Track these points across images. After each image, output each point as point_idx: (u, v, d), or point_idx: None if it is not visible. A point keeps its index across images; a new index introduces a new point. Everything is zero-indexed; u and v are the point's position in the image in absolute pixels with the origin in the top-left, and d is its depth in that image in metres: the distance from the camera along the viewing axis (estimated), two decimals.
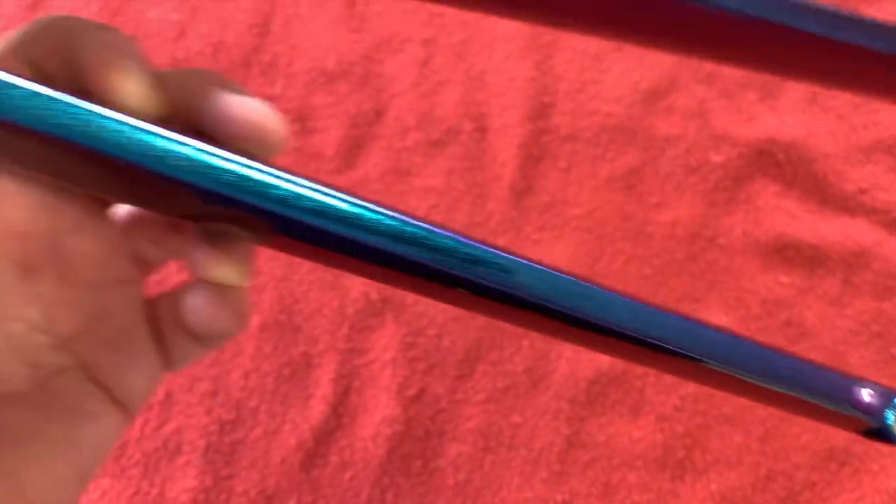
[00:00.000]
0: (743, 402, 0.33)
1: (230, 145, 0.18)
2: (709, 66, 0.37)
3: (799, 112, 0.37)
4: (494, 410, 0.34)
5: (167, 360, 0.22)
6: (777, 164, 0.36)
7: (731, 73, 0.37)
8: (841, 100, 0.37)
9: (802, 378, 0.21)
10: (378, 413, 0.33)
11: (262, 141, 0.18)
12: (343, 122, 0.38)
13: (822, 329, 0.35)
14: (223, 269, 0.19)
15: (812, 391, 0.21)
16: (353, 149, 0.38)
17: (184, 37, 0.40)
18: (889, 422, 0.21)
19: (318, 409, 0.33)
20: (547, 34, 0.37)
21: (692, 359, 0.20)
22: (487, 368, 0.34)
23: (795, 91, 0.37)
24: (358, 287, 0.35)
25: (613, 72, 0.37)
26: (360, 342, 0.34)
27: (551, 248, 0.35)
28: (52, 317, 0.19)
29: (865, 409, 0.21)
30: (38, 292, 0.19)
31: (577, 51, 0.37)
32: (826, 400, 0.21)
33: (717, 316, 0.35)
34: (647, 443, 0.33)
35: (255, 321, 0.34)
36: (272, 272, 0.35)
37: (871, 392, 0.21)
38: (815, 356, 0.34)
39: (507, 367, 0.34)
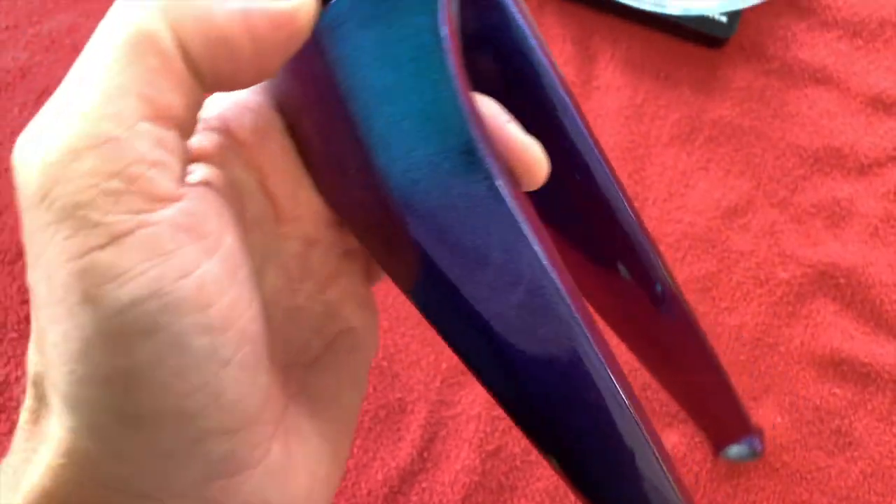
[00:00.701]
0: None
1: None
2: (782, 193, 0.42)
3: (861, 242, 0.41)
4: None
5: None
6: (837, 286, 0.40)
7: (801, 202, 0.42)
8: None
9: None
10: (459, 462, 0.37)
11: (529, 177, 0.19)
12: None
13: (869, 441, 0.38)
14: None
15: None
16: None
17: None
18: None
19: (405, 450, 0.37)
20: (641, 149, 0.42)
21: None
22: None
23: (859, 223, 0.42)
24: None
25: (698, 188, 0.42)
26: (450, 395, 0.38)
27: None
28: (322, 286, 0.21)
29: None
30: (312, 266, 0.20)
31: (667, 166, 0.42)
32: None
33: (772, 416, 0.38)
34: None
35: None
36: (380, 323, 0.40)
37: None
38: (862, 465, 0.37)
39: None
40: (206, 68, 0.15)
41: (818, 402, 0.38)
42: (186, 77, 0.15)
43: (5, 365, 0.36)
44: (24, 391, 0.36)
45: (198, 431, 0.15)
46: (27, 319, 0.37)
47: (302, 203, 0.20)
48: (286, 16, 0.16)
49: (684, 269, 0.40)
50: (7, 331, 0.37)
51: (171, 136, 0.15)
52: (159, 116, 0.15)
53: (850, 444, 0.38)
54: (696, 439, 0.38)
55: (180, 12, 0.15)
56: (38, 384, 0.16)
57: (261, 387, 0.17)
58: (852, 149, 0.43)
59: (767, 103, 0.44)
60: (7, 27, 0.43)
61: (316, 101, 0.18)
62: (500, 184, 0.17)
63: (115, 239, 0.14)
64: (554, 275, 0.18)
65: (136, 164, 0.14)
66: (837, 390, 0.39)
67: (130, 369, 0.14)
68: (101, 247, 0.14)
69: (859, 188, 0.43)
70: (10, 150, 0.40)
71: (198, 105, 0.16)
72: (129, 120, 0.14)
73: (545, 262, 0.18)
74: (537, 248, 0.18)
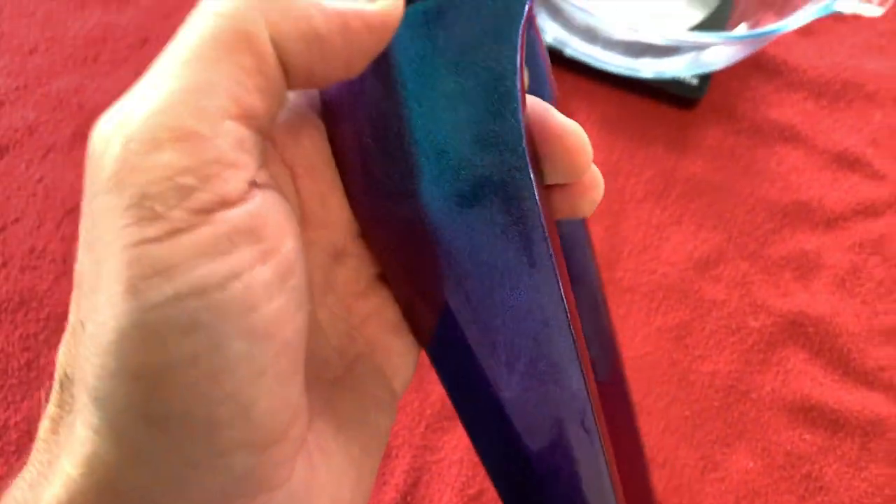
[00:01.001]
0: None
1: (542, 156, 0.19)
2: (753, 246, 0.44)
3: (828, 293, 0.43)
4: None
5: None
6: (806, 335, 0.42)
7: (771, 254, 0.44)
8: (866, 287, 0.43)
9: None
10: None
11: (574, 161, 0.19)
12: None
13: (839, 486, 0.39)
14: None
15: None
16: None
17: None
18: None
19: (390, 495, 0.38)
20: (617, 205, 0.44)
21: None
22: None
23: (827, 275, 0.44)
24: (437, 392, 0.40)
25: (672, 241, 0.44)
26: (434, 441, 0.40)
27: None
28: (346, 304, 0.20)
29: None
30: (337, 280, 0.20)
31: (642, 221, 0.44)
32: None
33: (745, 461, 0.40)
34: None
35: None
36: None
37: None
38: None
39: None
40: (299, 67, 0.15)
41: (789, 448, 0.40)
42: (277, 78, 0.15)
43: (5, 410, 0.37)
44: (25, 433, 0.37)
45: (224, 442, 0.15)
46: (28, 366, 0.38)
47: (331, 209, 0.19)
48: (380, 18, 0.16)
49: (658, 319, 0.42)
50: (8, 377, 0.38)
51: (251, 137, 0.15)
52: (244, 116, 0.15)
53: (821, 488, 0.39)
54: (672, 483, 0.39)
55: (281, 13, 0.15)
56: (65, 386, 0.16)
57: (291, 402, 0.16)
58: (819, 203, 0.45)
59: (738, 160, 0.46)
60: (17, 88, 0.45)
61: (372, 100, 0.18)
62: (539, 209, 0.18)
63: (173, 234, 0.14)
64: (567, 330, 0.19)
65: (214, 163, 0.14)
66: (808, 436, 0.40)
67: (162, 366, 0.14)
68: (158, 239, 0.14)
69: (826, 241, 0.45)
70: (17, 206, 0.42)
71: (280, 106, 0.16)
72: (215, 117, 0.14)
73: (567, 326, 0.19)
74: (559, 297, 0.19)
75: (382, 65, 0.17)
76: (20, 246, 0.41)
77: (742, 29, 0.45)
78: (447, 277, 0.18)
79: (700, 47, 0.38)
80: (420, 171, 0.17)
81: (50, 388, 0.35)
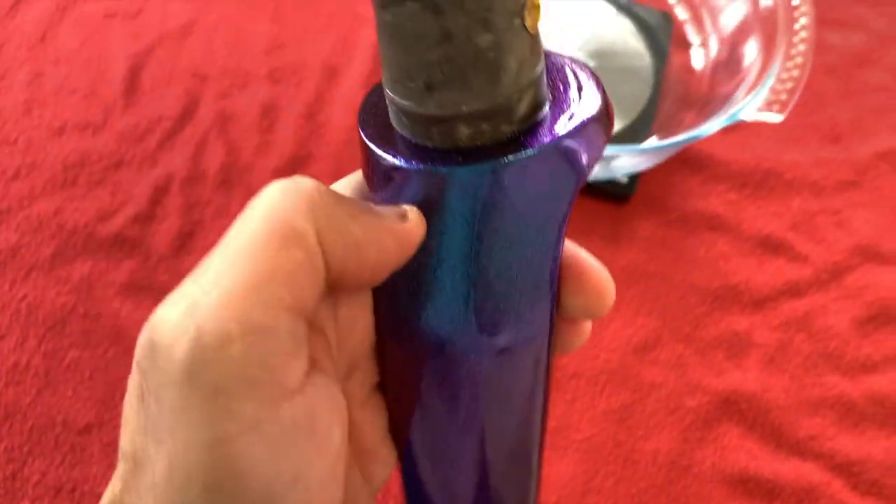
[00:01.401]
0: None
1: (566, 294, 0.20)
2: (687, 329, 0.48)
3: (759, 371, 0.47)
4: None
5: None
6: (740, 411, 0.45)
7: (704, 336, 0.48)
8: (794, 363, 0.47)
9: None
10: None
11: (600, 301, 0.21)
12: None
13: None
14: None
15: None
16: None
17: None
18: None
19: None
20: None
21: None
22: None
23: (756, 353, 0.47)
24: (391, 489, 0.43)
25: (611, 328, 0.47)
26: None
27: (557, 466, 0.43)
28: (349, 413, 0.21)
29: None
30: (346, 392, 0.20)
31: None
32: None
33: None
34: None
35: None
36: None
37: None
38: None
39: None
40: (336, 268, 0.16)
41: None
42: (322, 274, 0.16)
43: None
44: None
45: None
46: (13, 477, 0.41)
47: (358, 329, 0.20)
48: (407, 236, 0.17)
49: (603, 402, 0.45)
50: None
51: (303, 328, 0.16)
52: (297, 308, 0.15)
53: None
54: None
55: (326, 218, 0.16)
56: None
57: None
58: (747, 286, 0.49)
59: (669, 249, 0.50)
60: (0, 212, 0.49)
61: (438, 232, 0.18)
62: (549, 345, 0.20)
63: (245, 431, 0.14)
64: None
65: (277, 354, 0.15)
66: None
67: None
68: (232, 438, 0.14)
69: (755, 321, 0.48)
70: (1, 323, 0.44)
71: (321, 301, 0.17)
72: (275, 309, 0.15)
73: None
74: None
75: (429, 215, 0.18)
76: (4, 362, 0.44)
77: (653, 141, 0.50)
78: (454, 403, 0.20)
79: (622, 155, 0.43)
80: (469, 300, 0.18)
81: (35, 497, 0.38)
